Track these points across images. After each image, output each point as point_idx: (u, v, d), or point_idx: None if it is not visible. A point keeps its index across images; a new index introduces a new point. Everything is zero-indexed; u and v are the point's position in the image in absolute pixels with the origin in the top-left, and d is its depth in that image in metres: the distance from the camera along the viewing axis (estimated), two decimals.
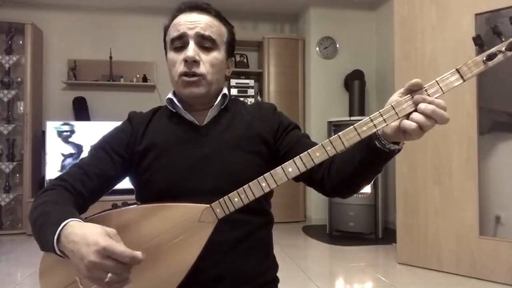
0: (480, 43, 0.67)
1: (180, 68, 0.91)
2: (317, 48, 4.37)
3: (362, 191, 3.69)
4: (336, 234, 3.74)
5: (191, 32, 0.91)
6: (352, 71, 4.30)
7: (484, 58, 0.66)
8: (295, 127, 1.00)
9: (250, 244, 0.91)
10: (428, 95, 0.68)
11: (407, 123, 0.68)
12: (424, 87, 0.68)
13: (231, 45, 1.00)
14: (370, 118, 0.70)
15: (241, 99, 1.26)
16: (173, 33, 0.93)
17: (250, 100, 4.39)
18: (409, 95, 0.69)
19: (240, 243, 0.89)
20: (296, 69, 4.47)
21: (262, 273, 0.95)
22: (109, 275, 0.65)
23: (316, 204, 4.24)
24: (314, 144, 0.95)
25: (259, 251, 0.94)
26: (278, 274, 1.01)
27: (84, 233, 0.68)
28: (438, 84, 0.68)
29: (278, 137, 0.98)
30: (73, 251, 0.68)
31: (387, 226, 3.92)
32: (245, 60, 4.63)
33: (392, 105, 0.69)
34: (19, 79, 3.97)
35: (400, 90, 0.71)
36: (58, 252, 0.72)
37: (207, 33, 0.91)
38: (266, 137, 0.96)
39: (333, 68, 4.37)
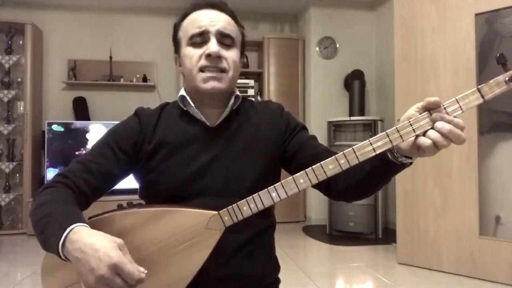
0: (503, 62, 0.66)
1: (201, 62, 0.90)
2: (317, 48, 4.37)
3: None
4: (336, 234, 3.74)
5: (212, 29, 0.90)
6: (352, 71, 4.30)
7: (507, 79, 0.65)
8: (302, 128, 1.00)
9: (254, 247, 0.91)
10: (447, 113, 0.67)
11: (422, 140, 0.68)
12: (444, 105, 0.67)
13: (243, 46, 1.01)
14: (386, 133, 0.70)
15: None
16: (192, 29, 0.91)
17: None
18: (427, 112, 0.68)
19: (244, 246, 0.89)
20: (296, 69, 4.46)
21: (265, 275, 0.95)
22: None
23: (316, 204, 4.24)
24: (321, 145, 0.96)
25: (263, 253, 0.94)
26: (278, 275, 1.01)
27: (93, 243, 0.67)
28: (458, 103, 0.67)
29: (286, 138, 0.98)
30: (80, 260, 0.67)
31: (387, 226, 3.92)
32: (245, 60, 4.63)
33: (410, 121, 0.69)
34: (19, 79, 3.97)
35: (418, 105, 0.71)
36: (62, 256, 0.71)
37: (227, 31, 0.91)
38: (274, 139, 0.96)
39: (333, 68, 4.37)
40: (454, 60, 2.58)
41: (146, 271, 0.68)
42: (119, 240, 0.69)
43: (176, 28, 0.97)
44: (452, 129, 0.66)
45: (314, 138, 0.99)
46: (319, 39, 4.37)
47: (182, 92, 0.97)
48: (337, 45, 4.40)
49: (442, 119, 0.67)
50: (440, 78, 2.65)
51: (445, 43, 2.63)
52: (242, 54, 1.01)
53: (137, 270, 0.67)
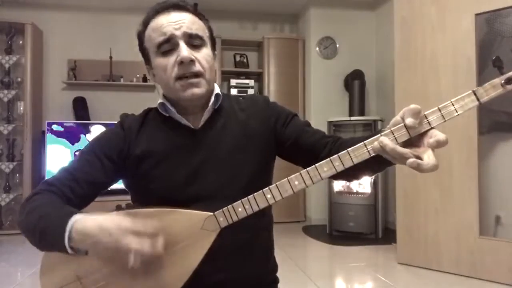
0: (499, 65, 0.66)
1: (175, 71, 0.86)
2: (317, 48, 4.37)
3: (362, 191, 3.70)
4: (336, 234, 3.74)
5: (178, 32, 0.86)
6: (352, 71, 4.30)
7: (503, 81, 0.64)
8: (294, 115, 0.99)
9: (252, 248, 0.91)
10: (442, 115, 0.67)
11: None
12: (439, 107, 0.67)
13: (213, 40, 0.96)
14: (381, 135, 0.69)
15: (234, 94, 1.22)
16: (158, 37, 0.87)
17: None
18: (423, 115, 0.67)
19: (241, 247, 0.89)
20: (296, 69, 4.47)
21: (263, 275, 0.95)
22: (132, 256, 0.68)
23: (316, 204, 4.24)
24: (318, 131, 0.95)
25: (260, 254, 0.94)
26: (278, 274, 1.01)
27: (100, 224, 0.69)
28: (453, 105, 0.67)
29: (278, 130, 0.96)
30: (95, 243, 0.69)
31: (387, 226, 3.92)
32: (245, 60, 4.63)
33: (404, 124, 0.68)
34: (19, 79, 3.97)
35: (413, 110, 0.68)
36: (69, 250, 0.72)
37: (193, 31, 0.87)
38: (264, 134, 0.95)
39: (333, 68, 4.37)
40: (454, 60, 2.58)
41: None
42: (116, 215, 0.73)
43: (141, 37, 0.93)
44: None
45: (308, 124, 0.98)
46: (319, 39, 4.37)
47: (161, 99, 0.95)
48: (337, 45, 4.40)
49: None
50: (440, 78, 2.65)
51: (445, 43, 2.62)
52: (214, 47, 0.96)
53: (148, 223, 0.71)
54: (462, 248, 2.54)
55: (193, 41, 0.88)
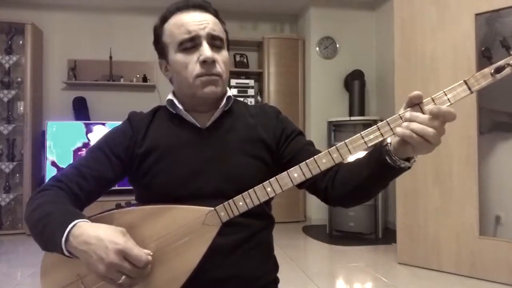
0: (488, 55, 0.68)
1: (196, 69, 0.88)
2: (317, 48, 4.37)
3: None
4: (336, 234, 3.74)
5: (203, 32, 0.88)
6: (352, 71, 4.30)
7: (492, 71, 0.66)
8: (299, 133, 1.00)
9: (252, 247, 0.91)
10: (436, 105, 0.68)
11: (400, 130, 0.67)
12: (432, 97, 0.68)
13: (228, 43, 0.99)
14: (377, 126, 0.70)
15: (241, 99, 1.25)
16: (181, 34, 0.89)
17: (250, 100, 4.39)
18: (417, 105, 0.69)
19: (241, 245, 0.89)
20: (296, 69, 4.46)
21: (263, 274, 0.95)
22: (123, 277, 0.68)
23: (316, 204, 4.24)
24: (318, 152, 0.95)
25: (260, 253, 0.94)
26: (278, 274, 1.01)
27: (98, 234, 0.69)
28: (446, 95, 0.68)
29: (281, 144, 0.97)
30: (87, 252, 0.68)
31: (387, 226, 3.92)
32: (245, 60, 4.63)
33: (399, 114, 0.69)
34: (19, 79, 3.97)
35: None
36: (66, 253, 0.72)
37: (216, 32, 0.90)
38: (268, 142, 0.95)
39: (333, 68, 4.37)
40: (454, 60, 2.58)
41: (152, 253, 0.72)
42: (121, 228, 0.72)
43: (158, 31, 0.95)
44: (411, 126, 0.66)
45: (311, 144, 0.98)
46: (319, 39, 4.37)
47: (170, 96, 0.96)
48: (337, 45, 4.40)
49: (414, 118, 0.67)
50: (440, 78, 2.65)
51: (445, 43, 2.62)
52: (228, 52, 0.99)
53: (143, 252, 0.71)
54: (462, 248, 2.54)
55: (215, 42, 0.90)
